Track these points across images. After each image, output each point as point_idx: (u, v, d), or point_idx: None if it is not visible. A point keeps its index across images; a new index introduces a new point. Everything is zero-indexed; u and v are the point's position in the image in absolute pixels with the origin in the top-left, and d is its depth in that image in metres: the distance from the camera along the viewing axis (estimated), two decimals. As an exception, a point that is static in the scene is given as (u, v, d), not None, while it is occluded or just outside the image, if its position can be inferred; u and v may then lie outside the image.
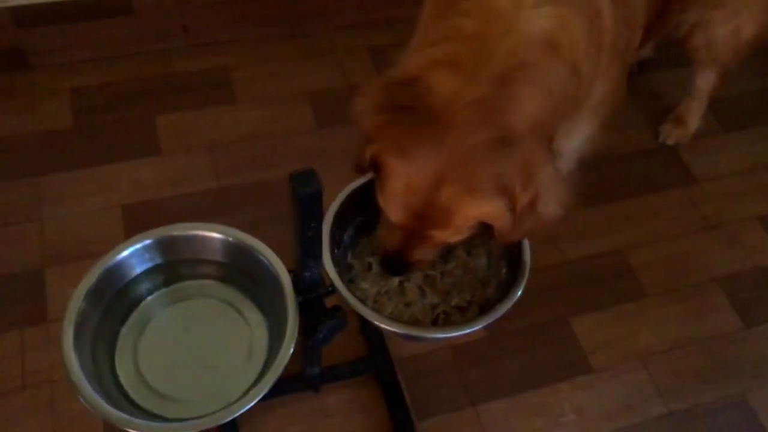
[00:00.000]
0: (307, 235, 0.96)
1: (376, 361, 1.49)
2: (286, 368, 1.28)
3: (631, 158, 1.92)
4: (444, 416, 1.46)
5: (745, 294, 1.70)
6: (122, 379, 1.07)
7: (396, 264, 1.14)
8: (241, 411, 0.99)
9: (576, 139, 1.37)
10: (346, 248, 1.22)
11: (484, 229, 1.05)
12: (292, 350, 1.03)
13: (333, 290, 1.09)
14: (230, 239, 1.10)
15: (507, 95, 0.96)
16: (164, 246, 1.10)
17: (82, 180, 1.70)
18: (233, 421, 1.39)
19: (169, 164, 1.76)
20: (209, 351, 1.11)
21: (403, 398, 1.45)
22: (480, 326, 1.10)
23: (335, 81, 1.97)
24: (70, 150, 1.75)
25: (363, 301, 1.17)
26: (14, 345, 1.44)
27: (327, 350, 1.46)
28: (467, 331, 1.10)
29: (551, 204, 1.03)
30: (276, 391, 1.41)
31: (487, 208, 0.98)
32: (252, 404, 0.99)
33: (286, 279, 1.07)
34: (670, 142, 1.94)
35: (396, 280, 1.21)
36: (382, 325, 1.07)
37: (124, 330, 1.10)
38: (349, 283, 1.20)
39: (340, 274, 1.14)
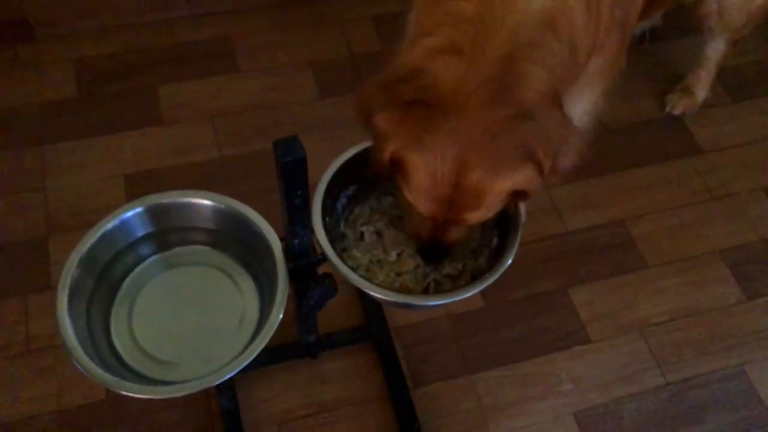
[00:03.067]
0: (294, 203, 0.97)
1: (373, 329, 1.50)
2: (284, 335, 1.30)
3: (636, 128, 1.90)
4: (440, 384, 1.48)
5: (748, 266, 1.69)
6: (117, 344, 1.08)
7: (434, 251, 1.15)
8: (229, 375, 1.00)
9: (577, 109, 1.35)
10: (339, 217, 1.22)
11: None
12: (281, 316, 1.04)
13: (324, 258, 1.09)
14: (221, 206, 1.11)
15: (515, 72, 0.97)
16: (156, 214, 1.11)
17: (86, 149, 1.72)
18: (231, 387, 1.43)
19: (171, 134, 1.77)
20: (201, 317, 1.12)
21: (399, 366, 1.47)
22: (469, 294, 1.10)
23: (338, 51, 1.97)
24: (74, 120, 1.77)
25: (355, 270, 1.18)
26: (19, 311, 1.48)
27: (325, 318, 1.49)
28: (456, 298, 1.10)
29: (571, 158, 1.04)
30: (274, 357, 1.46)
31: (517, 179, 0.98)
32: (239, 369, 1.00)
33: (276, 246, 1.08)
34: (677, 112, 1.92)
35: (393, 253, 1.21)
36: (372, 293, 1.08)
37: (118, 296, 1.11)
38: (342, 251, 1.20)
39: (332, 242, 1.15)
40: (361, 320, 1.52)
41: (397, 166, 1.02)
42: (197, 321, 1.12)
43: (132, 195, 1.63)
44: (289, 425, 1.41)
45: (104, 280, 1.11)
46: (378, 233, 1.23)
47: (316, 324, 1.33)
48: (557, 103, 1.04)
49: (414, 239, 1.17)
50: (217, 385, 1.39)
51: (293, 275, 1.09)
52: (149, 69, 1.88)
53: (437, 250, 1.14)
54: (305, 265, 1.08)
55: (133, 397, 0.96)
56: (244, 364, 1.01)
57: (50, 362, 1.42)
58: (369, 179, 1.18)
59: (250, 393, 1.44)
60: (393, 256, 1.21)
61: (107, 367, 1.01)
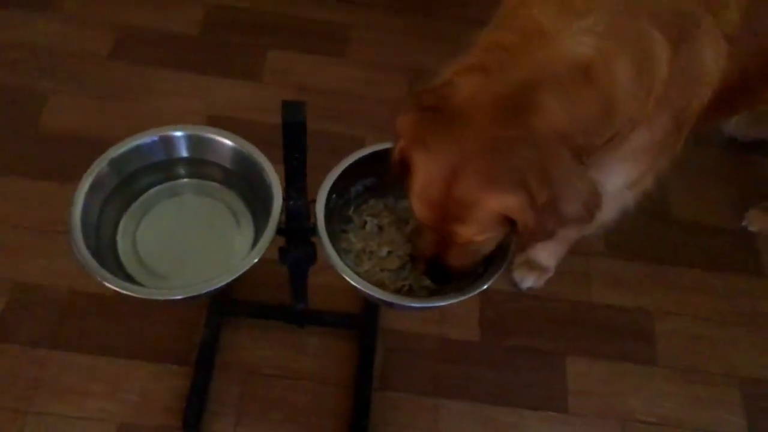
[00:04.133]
0: (291, 164, 1.05)
1: (362, 322, 1.56)
2: (283, 297, 1.40)
3: (702, 228, 1.83)
4: (405, 395, 1.51)
5: (764, 403, 1.59)
6: (119, 245, 1.20)
7: (436, 271, 1.18)
8: (190, 295, 1.09)
9: (616, 180, 1.32)
10: (350, 201, 1.29)
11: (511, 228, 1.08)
12: (256, 260, 1.11)
13: (313, 228, 1.16)
14: (241, 149, 1.21)
15: (529, 98, 0.98)
16: (191, 142, 1.23)
17: (183, 82, 1.89)
18: (217, 325, 1.53)
19: (262, 93, 1.91)
20: (199, 243, 1.22)
21: (372, 363, 1.51)
22: (419, 306, 1.14)
23: (440, 66, 2.03)
24: (185, 54, 1.95)
25: (346, 252, 1.25)
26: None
27: (324, 296, 1.56)
28: (406, 303, 1.13)
29: (573, 204, 1.03)
30: (266, 313, 1.55)
31: (506, 201, 0.99)
32: (198, 293, 1.09)
33: (277, 202, 1.16)
34: (753, 228, 1.83)
35: (385, 249, 1.27)
36: (338, 270, 1.13)
37: (134, 205, 1.23)
38: (342, 232, 1.27)
39: (331, 220, 1.22)
40: (357, 309, 1.58)
41: (405, 164, 1.07)
42: (194, 246, 1.23)
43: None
44: (255, 377, 1.49)
45: (127, 185, 1.23)
46: (380, 227, 1.29)
47: (305, 293, 1.40)
48: (573, 150, 1.04)
49: (418, 255, 1.21)
50: (206, 320, 1.52)
51: (285, 234, 1.17)
52: (267, 31, 2.04)
53: (439, 271, 1.17)
54: (295, 229, 1.16)
55: (127, 297, 1.06)
56: (202, 292, 1.09)
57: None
58: (393, 178, 1.23)
59: (233, 336, 1.53)
60: (384, 252, 1.26)
61: (102, 260, 1.13)
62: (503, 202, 0.99)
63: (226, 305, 1.55)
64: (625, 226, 1.75)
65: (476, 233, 1.06)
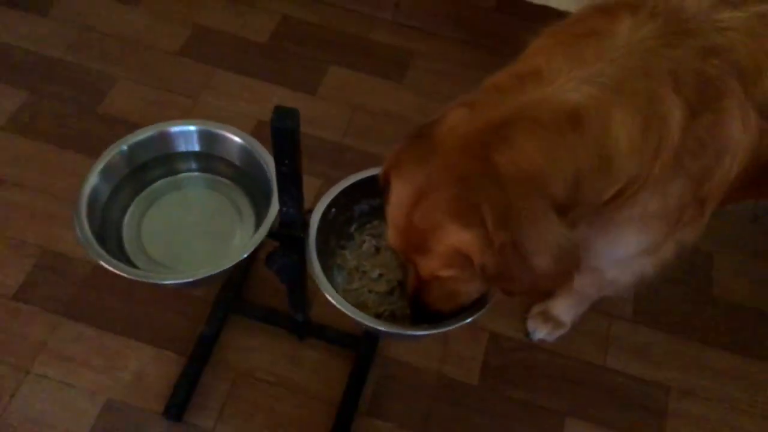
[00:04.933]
0: (282, 170, 1.06)
1: (361, 344, 1.54)
2: (281, 301, 1.42)
3: (744, 311, 1.70)
4: (390, 425, 1.48)
5: None
6: (125, 246, 1.25)
7: (417, 309, 1.16)
8: (176, 282, 1.13)
9: (624, 244, 1.24)
10: (353, 219, 1.29)
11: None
12: (245, 256, 1.13)
13: (301, 238, 1.17)
14: (250, 147, 1.24)
15: (500, 135, 0.96)
16: (203, 137, 1.27)
17: (244, 86, 1.96)
18: (220, 322, 1.55)
19: (315, 105, 1.95)
20: (199, 235, 1.26)
21: (361, 388, 1.49)
22: (391, 331, 1.12)
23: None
24: (249, 59, 2.02)
25: (340, 267, 1.25)
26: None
27: (332, 314, 1.55)
28: (383, 329, 1.11)
29: (541, 256, 0.98)
30: (269, 318, 1.56)
31: (459, 236, 0.97)
32: (183, 281, 1.12)
33: (275, 206, 1.17)
34: (802, 320, 1.69)
35: (377, 271, 1.26)
36: (317, 282, 1.13)
37: (143, 192, 1.28)
38: (339, 248, 1.27)
39: (330, 234, 1.23)
40: (359, 331, 1.57)
41: (387, 186, 1.07)
42: (195, 238, 1.26)
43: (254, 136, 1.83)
44: (246, 379, 1.50)
45: (139, 174, 1.29)
46: (377, 249, 1.29)
47: (303, 305, 1.41)
48: (551, 199, 0.99)
49: (405, 291, 1.20)
50: (209, 315, 1.55)
51: (278, 238, 1.18)
52: (334, 47, 2.08)
53: (419, 309, 1.15)
54: (291, 236, 1.17)
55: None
56: (186, 280, 1.12)
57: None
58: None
59: (233, 335, 1.56)
60: (375, 273, 1.26)
61: (104, 241, 1.18)
62: (456, 236, 0.97)
63: (233, 303, 1.57)
64: (658, 294, 1.69)
65: (437, 267, 1.03)
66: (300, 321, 1.47)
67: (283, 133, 1.00)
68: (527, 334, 1.62)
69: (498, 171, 0.95)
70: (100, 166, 1.22)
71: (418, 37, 2.13)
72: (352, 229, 1.30)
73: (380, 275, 1.25)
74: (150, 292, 1.59)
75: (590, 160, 0.99)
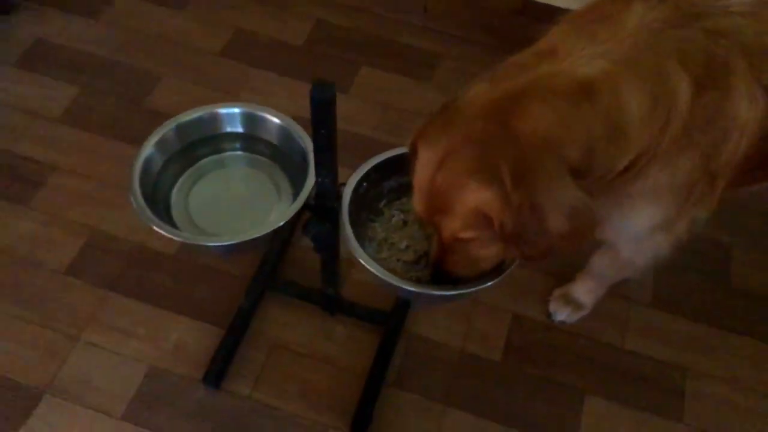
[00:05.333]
0: (319, 140, 1.16)
1: (389, 321, 1.62)
2: (315, 280, 1.51)
3: (761, 298, 1.75)
4: (415, 396, 1.56)
5: (794, 485, 1.50)
6: (172, 211, 1.35)
7: (438, 276, 1.23)
8: (221, 244, 1.22)
9: (636, 219, 1.28)
10: (383, 195, 1.37)
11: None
12: (283, 223, 1.23)
13: (335, 208, 1.26)
14: (288, 128, 1.34)
15: (518, 103, 1.04)
16: (246, 119, 1.38)
17: (279, 84, 2.08)
18: (258, 296, 1.65)
19: (347, 103, 2.05)
20: (241, 209, 1.36)
21: (388, 362, 1.57)
22: (421, 291, 1.20)
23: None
24: (287, 60, 2.14)
25: (371, 240, 1.34)
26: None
27: (361, 291, 1.66)
28: (413, 289, 1.19)
29: (555, 214, 1.04)
30: (302, 294, 1.65)
31: (479, 194, 1.04)
32: (228, 243, 1.22)
33: (311, 179, 1.27)
34: (819, 308, 1.73)
35: (404, 242, 1.34)
36: (350, 248, 1.22)
37: (191, 168, 1.39)
38: (370, 221, 1.36)
39: (361, 207, 1.32)
40: (388, 307, 1.65)
41: (414, 155, 1.16)
42: (237, 211, 1.36)
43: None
44: (280, 351, 1.59)
45: (188, 151, 1.39)
46: (405, 222, 1.37)
47: (336, 279, 1.50)
48: (566, 163, 1.07)
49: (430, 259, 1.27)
50: (247, 289, 1.64)
51: (314, 209, 1.27)
52: (365, 49, 2.19)
53: (442, 277, 1.22)
54: (326, 206, 1.26)
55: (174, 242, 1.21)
56: (223, 243, 1.22)
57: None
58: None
59: (269, 309, 1.65)
60: (403, 244, 1.34)
61: (154, 209, 1.28)
62: (477, 194, 1.04)
63: (270, 280, 1.67)
64: (677, 282, 1.75)
65: (459, 227, 1.10)
66: (332, 296, 1.55)
67: (321, 104, 1.09)
68: (549, 315, 1.69)
69: (515, 134, 1.03)
70: (154, 139, 1.32)
71: (445, 40, 2.23)
72: (382, 204, 1.39)
73: (407, 246, 1.34)
74: (191, 269, 1.70)
75: (603, 128, 1.06)
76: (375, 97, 2.08)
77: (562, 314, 1.68)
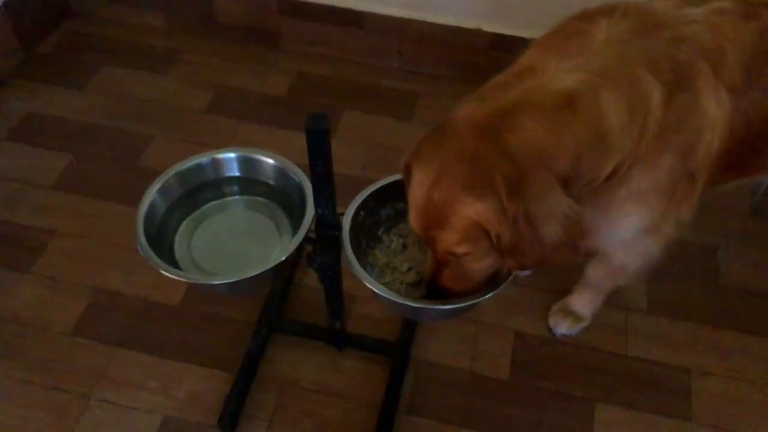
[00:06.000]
0: (316, 171, 1.21)
1: (396, 350, 1.65)
2: (318, 318, 1.55)
3: (752, 294, 1.80)
4: (430, 422, 1.57)
5: (808, 472, 1.52)
6: (177, 257, 1.38)
7: (433, 292, 1.28)
8: (220, 282, 1.25)
9: (624, 223, 1.33)
10: (381, 222, 1.42)
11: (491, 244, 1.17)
12: (286, 256, 1.26)
13: (336, 235, 1.30)
14: (283, 167, 1.39)
15: (507, 119, 1.10)
16: (243, 163, 1.43)
17: (266, 134, 2.15)
18: (265, 337, 1.67)
19: (335, 146, 2.05)
20: (243, 248, 1.40)
21: (400, 388, 1.59)
22: (426, 306, 1.23)
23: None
24: (271, 111, 2.21)
25: (372, 266, 1.38)
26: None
27: (365, 324, 1.69)
28: (420, 305, 1.23)
29: (550, 224, 1.10)
30: (308, 333, 1.68)
31: (476, 207, 1.08)
32: (234, 280, 1.25)
33: (310, 213, 1.32)
34: (809, 298, 1.78)
35: (406, 265, 1.38)
36: (355, 272, 1.25)
37: (193, 214, 1.43)
38: (370, 249, 1.41)
39: (360, 235, 1.36)
40: (393, 337, 1.68)
41: (408, 176, 1.21)
42: (240, 251, 1.40)
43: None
44: (290, 390, 1.61)
45: (189, 199, 1.43)
46: (404, 246, 1.42)
47: (341, 312, 1.53)
48: (557, 175, 1.12)
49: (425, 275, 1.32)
50: (253, 333, 1.66)
51: (317, 241, 1.32)
52: (346, 95, 2.27)
53: (436, 290, 1.27)
54: (322, 236, 1.31)
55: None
56: (227, 280, 1.26)
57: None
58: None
59: (277, 350, 1.67)
60: (405, 267, 1.38)
61: (160, 256, 1.32)
62: (473, 207, 1.08)
63: (275, 321, 1.69)
64: (670, 286, 1.80)
65: (456, 242, 1.14)
66: (338, 329, 1.58)
67: (316, 135, 1.15)
68: (550, 330, 1.72)
69: (508, 147, 1.09)
70: (156, 186, 1.37)
71: (422, 80, 2.33)
72: (380, 232, 1.43)
73: (409, 268, 1.38)
74: (196, 319, 1.72)
75: (587, 135, 1.12)
76: (360, 139, 2.15)
77: (562, 327, 1.71)
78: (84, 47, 2.41)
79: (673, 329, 1.74)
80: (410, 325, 1.69)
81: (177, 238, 1.41)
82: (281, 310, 1.74)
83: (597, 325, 1.73)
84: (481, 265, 1.23)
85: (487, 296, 1.24)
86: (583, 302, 1.70)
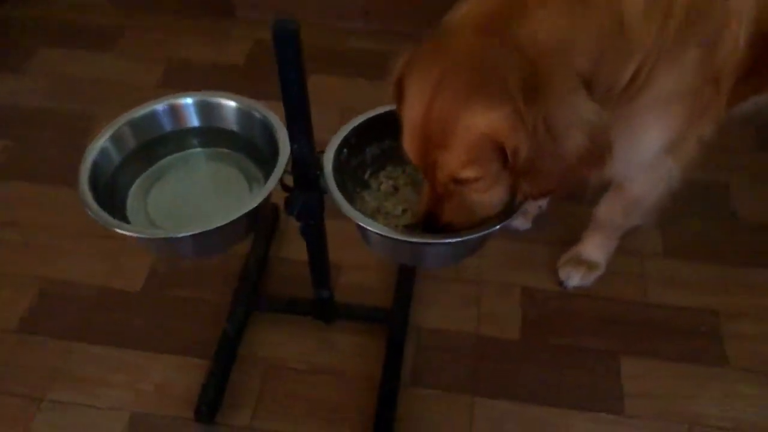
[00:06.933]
0: (289, 93, 1.02)
1: (392, 316, 1.46)
2: (309, 290, 1.35)
3: (770, 229, 1.66)
4: (437, 392, 1.38)
5: None
6: (130, 217, 1.18)
7: (430, 222, 1.09)
8: (192, 233, 1.05)
9: (648, 138, 1.17)
10: (366, 164, 1.24)
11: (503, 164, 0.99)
12: (261, 199, 1.07)
13: (318, 174, 1.11)
14: (247, 108, 1.21)
15: (516, 10, 0.93)
16: (203, 109, 1.24)
17: (227, 103, 1.95)
18: (242, 319, 1.46)
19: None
20: (209, 206, 1.19)
21: (400, 359, 1.40)
22: (427, 241, 1.05)
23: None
24: (229, 81, 2.02)
25: (361, 212, 1.19)
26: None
27: (354, 293, 1.50)
28: (411, 239, 1.04)
29: (574, 132, 0.92)
30: (291, 307, 1.48)
31: (488, 117, 0.90)
32: (200, 231, 1.04)
33: (285, 150, 1.13)
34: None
35: (399, 208, 1.20)
36: (343, 211, 1.06)
37: (150, 169, 1.23)
38: (357, 193, 1.22)
39: (345, 177, 1.18)
40: (387, 303, 1.48)
41: (400, 97, 1.02)
42: (205, 209, 1.20)
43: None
44: (276, 371, 1.41)
45: (147, 149, 1.23)
46: (396, 188, 1.23)
47: (327, 276, 1.34)
48: (578, 72, 0.96)
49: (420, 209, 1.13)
50: (229, 314, 1.46)
51: (289, 189, 1.12)
52: (312, 60, 2.05)
53: (434, 224, 1.08)
54: (301, 176, 1.11)
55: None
56: (193, 232, 1.05)
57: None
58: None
59: (256, 331, 1.46)
60: (398, 210, 1.20)
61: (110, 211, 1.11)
62: (485, 117, 0.90)
63: (252, 299, 1.49)
64: (684, 228, 1.65)
65: (462, 164, 0.96)
66: (325, 298, 1.38)
67: (285, 38, 0.96)
68: (561, 283, 1.55)
69: (521, 43, 0.92)
70: (109, 131, 1.18)
71: (390, 39, 2.14)
72: (367, 175, 1.25)
73: (404, 211, 1.19)
74: (161, 304, 1.51)
75: (608, 23, 0.96)
76: (332, 102, 1.96)
77: (575, 278, 1.54)
78: (18, 30, 2.19)
79: (693, 272, 1.58)
80: (406, 288, 1.50)
81: (130, 198, 1.21)
82: (258, 287, 1.53)
83: (610, 274, 1.56)
84: (490, 195, 1.04)
85: (502, 223, 1.05)
86: (595, 248, 1.53)
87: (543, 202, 1.63)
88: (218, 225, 1.05)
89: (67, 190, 1.71)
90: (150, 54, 2.11)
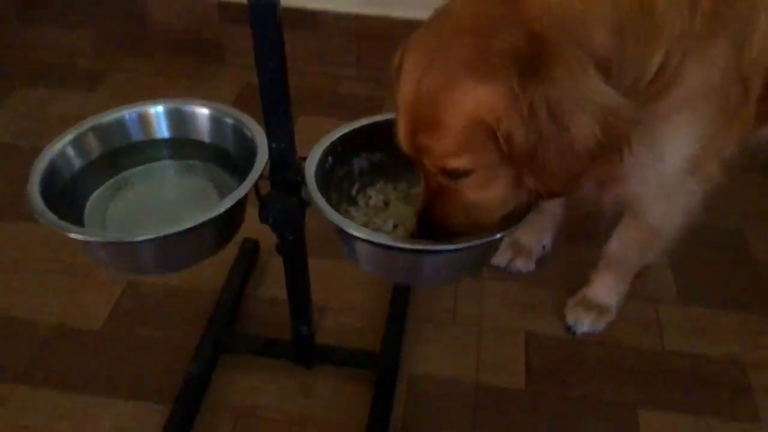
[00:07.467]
0: (266, 83, 0.91)
1: (381, 362, 1.29)
2: (285, 331, 1.23)
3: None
4: (431, 446, 1.20)
5: None
6: (85, 221, 1.05)
7: (425, 225, 0.97)
8: (139, 239, 0.91)
9: (671, 150, 1.05)
10: (353, 178, 1.11)
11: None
12: (230, 205, 0.94)
13: (299, 181, 0.99)
14: (218, 114, 1.12)
15: None
16: (175, 119, 1.13)
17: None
18: (210, 359, 1.30)
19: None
20: (174, 213, 1.06)
21: (389, 407, 1.23)
22: (430, 247, 0.91)
23: None
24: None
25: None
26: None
27: (338, 336, 1.35)
28: (400, 245, 0.90)
29: (582, 117, 0.81)
30: (266, 349, 1.32)
31: (479, 93, 0.80)
32: (162, 234, 0.90)
33: (263, 151, 1.01)
34: None
35: (391, 222, 1.07)
36: (326, 216, 0.93)
37: (113, 179, 1.11)
38: (340, 206, 1.09)
39: (329, 189, 1.05)
40: (375, 347, 1.32)
41: (399, 76, 0.92)
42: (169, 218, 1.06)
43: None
44: (247, 421, 1.22)
45: (111, 158, 1.12)
46: (386, 203, 1.11)
47: (309, 313, 1.19)
48: (590, 55, 0.85)
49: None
50: (195, 352, 1.30)
51: (274, 185, 1.00)
52: (301, 103, 1.97)
53: (428, 225, 0.96)
54: (280, 181, 0.99)
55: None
56: (158, 235, 0.91)
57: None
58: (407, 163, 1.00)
59: (227, 374, 1.29)
60: (389, 225, 1.07)
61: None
62: (475, 93, 0.80)
63: (222, 338, 1.32)
64: (698, 272, 1.52)
65: (451, 150, 0.85)
66: (305, 335, 1.23)
67: (262, 12, 0.85)
68: (568, 328, 1.39)
69: (522, 14, 0.82)
70: (70, 136, 1.07)
71: (384, 86, 2.08)
72: (354, 191, 1.12)
73: (395, 225, 1.06)
74: (121, 344, 1.35)
75: (631, 2, 0.87)
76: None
77: (585, 323, 1.38)
78: (-5, 71, 2.11)
79: (712, 318, 1.43)
80: (396, 329, 1.34)
81: (89, 206, 1.07)
82: (230, 327, 1.37)
83: (621, 320, 1.41)
84: (486, 193, 0.92)
85: (509, 228, 0.92)
86: (605, 289, 1.39)
87: (547, 241, 1.50)
88: (181, 229, 0.92)
89: (24, 224, 1.57)
90: (133, 95, 1.99)
